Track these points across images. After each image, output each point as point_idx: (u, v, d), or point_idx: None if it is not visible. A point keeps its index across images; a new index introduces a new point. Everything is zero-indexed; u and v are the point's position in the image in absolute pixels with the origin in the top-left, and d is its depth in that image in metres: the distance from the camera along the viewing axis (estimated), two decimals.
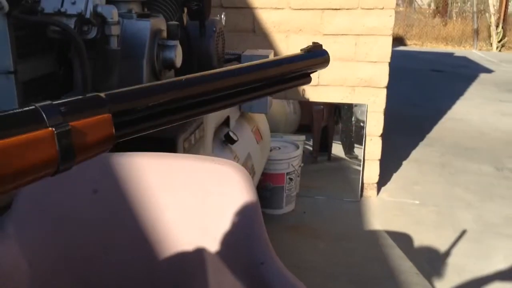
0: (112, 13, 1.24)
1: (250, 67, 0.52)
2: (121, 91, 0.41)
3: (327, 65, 0.60)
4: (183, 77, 0.45)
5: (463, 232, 2.57)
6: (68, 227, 0.88)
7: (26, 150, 0.33)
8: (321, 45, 0.59)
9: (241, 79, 0.50)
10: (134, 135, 0.43)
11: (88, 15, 1.20)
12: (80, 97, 0.38)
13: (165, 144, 1.22)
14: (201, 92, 0.46)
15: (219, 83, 0.48)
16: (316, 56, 0.59)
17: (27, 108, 0.35)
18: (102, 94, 0.39)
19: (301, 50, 0.58)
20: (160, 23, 1.44)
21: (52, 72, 1.33)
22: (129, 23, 1.34)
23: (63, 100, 0.37)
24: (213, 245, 0.86)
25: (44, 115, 0.35)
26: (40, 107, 0.35)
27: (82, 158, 0.37)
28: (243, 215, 0.85)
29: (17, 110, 0.35)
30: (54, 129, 0.35)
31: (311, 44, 0.59)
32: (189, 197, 0.88)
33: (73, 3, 1.19)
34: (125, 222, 0.89)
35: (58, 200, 0.89)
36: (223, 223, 0.86)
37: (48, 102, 0.36)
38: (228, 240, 0.85)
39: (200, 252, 0.87)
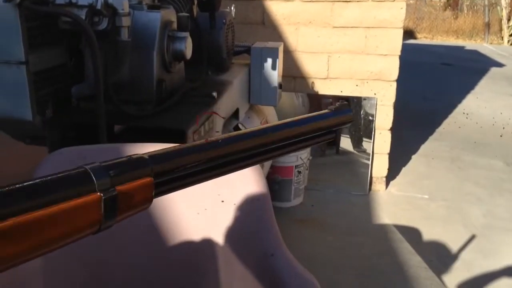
0: (123, 4, 1.24)
1: (281, 126, 0.56)
2: (163, 152, 0.44)
3: (349, 124, 0.63)
4: (220, 138, 0.49)
5: (472, 227, 2.56)
6: None
7: (75, 215, 0.36)
8: (348, 104, 0.62)
9: (271, 137, 0.54)
10: (171, 192, 0.46)
11: (99, 6, 1.20)
12: (126, 158, 0.40)
13: (175, 135, 1.22)
14: (234, 151, 0.50)
15: (251, 141, 0.52)
16: (340, 115, 0.61)
17: (77, 170, 0.37)
18: (146, 156, 0.42)
19: (328, 108, 0.61)
20: (170, 14, 1.43)
21: (63, 63, 1.33)
22: (139, 14, 1.34)
23: (111, 162, 0.39)
24: (223, 237, 0.86)
25: (93, 178, 0.37)
26: (90, 169, 0.37)
27: (121, 218, 0.39)
28: (254, 207, 0.85)
29: (68, 172, 0.36)
30: (102, 194, 0.37)
31: (338, 103, 0.62)
32: (199, 189, 0.88)
33: None
34: (136, 214, 0.89)
35: None
36: (234, 215, 0.86)
37: (97, 164, 0.38)
38: (239, 232, 0.85)
39: (210, 244, 0.87)
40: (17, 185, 0.34)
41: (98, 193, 0.37)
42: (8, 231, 0.32)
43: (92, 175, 0.37)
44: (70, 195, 0.35)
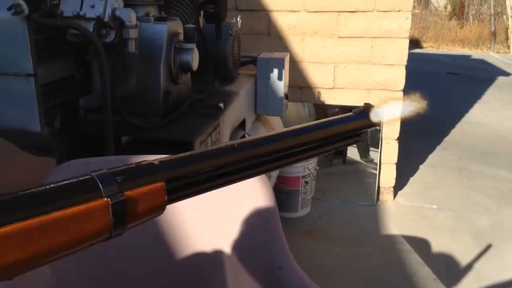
0: (130, 16, 1.25)
1: (301, 130, 0.52)
2: (174, 158, 0.42)
3: (374, 127, 0.60)
4: (235, 142, 0.46)
5: (481, 237, 2.53)
6: None
7: (82, 221, 0.35)
8: (372, 106, 0.59)
9: (292, 141, 0.51)
10: (185, 198, 0.44)
11: (106, 19, 1.21)
12: (135, 164, 0.39)
13: (182, 147, 1.22)
14: (251, 156, 0.47)
15: (270, 146, 0.48)
16: (365, 117, 0.58)
17: (83, 178, 0.36)
18: (156, 161, 0.40)
19: (353, 111, 0.58)
20: (177, 26, 1.44)
21: (71, 75, 1.34)
22: (146, 26, 1.35)
23: (119, 168, 0.38)
24: (231, 248, 0.86)
25: (100, 184, 0.36)
26: (96, 176, 0.36)
27: (133, 225, 0.38)
28: (261, 218, 0.85)
29: (74, 180, 0.36)
30: (109, 199, 0.36)
31: (362, 105, 0.59)
32: (207, 200, 0.88)
33: (92, 7, 1.20)
34: (144, 224, 0.89)
35: None
36: (241, 226, 0.86)
37: (104, 170, 0.37)
38: (246, 243, 0.85)
39: (218, 255, 0.86)
40: (23, 192, 0.33)
41: (105, 198, 0.36)
42: (14, 236, 0.31)
43: (98, 181, 0.36)
44: (76, 201, 0.35)
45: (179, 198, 0.43)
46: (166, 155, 0.42)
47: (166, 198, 0.40)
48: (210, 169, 0.43)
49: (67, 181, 0.35)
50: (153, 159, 0.40)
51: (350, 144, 0.58)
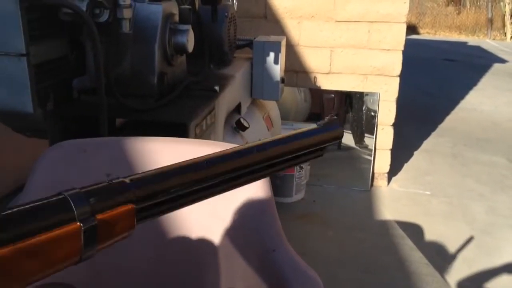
0: None
1: (268, 144, 0.52)
2: (144, 176, 0.42)
3: (339, 140, 0.59)
4: (204, 159, 0.46)
5: (474, 224, 2.55)
6: None
7: (54, 246, 0.34)
8: (337, 119, 0.59)
9: (257, 157, 0.51)
10: (157, 217, 0.44)
11: None
12: (106, 183, 0.39)
13: (177, 129, 1.21)
14: (219, 172, 0.47)
15: (238, 161, 0.49)
16: (330, 130, 0.58)
17: (56, 198, 0.35)
18: (127, 180, 0.40)
19: (317, 125, 0.57)
20: (172, 7, 1.42)
21: (64, 56, 1.32)
22: (141, 7, 1.33)
23: (91, 188, 0.37)
24: (225, 232, 0.86)
25: (73, 206, 0.35)
26: (69, 196, 0.36)
27: (102, 247, 0.38)
28: (256, 202, 0.84)
29: (46, 200, 0.35)
30: (82, 224, 0.35)
31: (327, 117, 0.58)
32: None
33: None
34: None
35: (70, 183, 0.88)
36: (236, 209, 0.85)
37: (76, 190, 0.37)
38: (240, 226, 0.84)
39: (211, 238, 0.86)
40: (8, 212, 0.33)
41: (78, 223, 0.35)
42: None
43: (72, 203, 0.35)
44: (49, 224, 0.34)
45: (149, 218, 0.43)
46: (136, 174, 0.41)
47: (135, 221, 0.40)
48: (181, 187, 0.43)
49: (39, 202, 0.34)
50: (124, 177, 0.40)
51: (314, 158, 0.58)
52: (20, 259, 0.32)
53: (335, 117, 0.59)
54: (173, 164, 0.44)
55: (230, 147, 0.90)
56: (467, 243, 2.36)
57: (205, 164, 0.45)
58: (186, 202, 0.45)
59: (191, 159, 0.45)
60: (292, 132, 0.55)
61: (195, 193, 0.45)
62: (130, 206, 0.39)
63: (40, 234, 0.34)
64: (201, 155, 0.90)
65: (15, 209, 0.33)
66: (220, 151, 0.48)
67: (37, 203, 0.34)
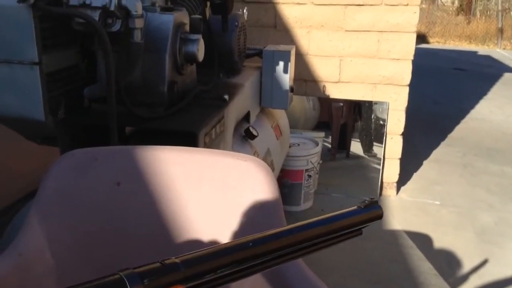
0: (136, 6, 1.24)
1: (310, 225, 0.55)
2: (194, 257, 0.45)
3: (379, 219, 0.62)
4: (249, 240, 0.49)
5: (484, 234, 2.52)
6: (91, 219, 0.89)
7: None
8: (376, 201, 0.62)
9: (299, 237, 0.54)
10: None
11: (112, 8, 1.20)
12: (159, 264, 0.42)
13: (186, 138, 1.22)
14: (263, 252, 0.50)
15: (280, 242, 0.51)
16: (370, 211, 0.61)
17: (112, 278, 0.38)
18: (178, 260, 0.43)
19: (357, 205, 0.60)
20: (183, 16, 1.43)
21: (76, 64, 1.33)
22: (152, 16, 1.34)
23: (144, 269, 0.40)
24: (233, 240, 0.86)
25: (128, 286, 0.38)
26: (124, 276, 0.38)
27: None
28: (265, 212, 0.85)
29: (104, 280, 0.37)
30: None
31: (367, 199, 0.61)
32: (211, 192, 0.88)
33: None
34: (147, 215, 0.89)
35: (81, 192, 0.89)
36: (244, 218, 0.86)
37: (131, 270, 0.39)
38: (249, 235, 0.84)
39: None
40: None
41: None
42: None
43: (127, 283, 0.38)
44: None
45: None
46: (186, 254, 0.44)
47: None
48: (227, 267, 0.46)
49: (96, 282, 0.37)
50: (175, 257, 0.43)
51: (352, 237, 0.60)
52: None
53: (375, 199, 0.62)
54: (220, 245, 0.48)
55: (242, 155, 0.90)
56: (477, 253, 2.34)
57: (250, 245, 0.48)
58: (231, 279, 0.48)
59: (236, 240, 0.49)
60: (334, 213, 0.58)
61: (239, 272, 0.48)
62: (180, 287, 0.42)
63: None
64: (211, 164, 0.91)
65: (73, 287, 0.36)
66: (264, 232, 0.51)
67: (95, 282, 0.37)
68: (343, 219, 0.58)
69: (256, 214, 0.84)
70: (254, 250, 0.48)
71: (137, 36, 1.27)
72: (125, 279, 0.38)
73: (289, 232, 0.53)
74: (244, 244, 0.48)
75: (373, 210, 0.60)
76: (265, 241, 0.50)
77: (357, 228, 0.59)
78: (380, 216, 0.61)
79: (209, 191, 0.88)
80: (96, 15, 1.20)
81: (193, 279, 0.43)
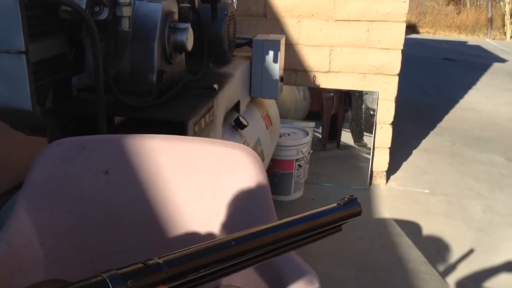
0: None
1: (291, 223, 0.57)
2: (177, 257, 0.45)
3: (358, 216, 0.64)
4: (231, 238, 0.50)
5: (472, 222, 2.56)
6: (79, 208, 0.88)
7: None
8: (355, 198, 0.63)
9: (281, 234, 0.55)
10: None
11: None
12: (142, 265, 0.42)
13: (175, 127, 1.22)
14: (245, 250, 0.51)
15: (263, 239, 0.53)
16: (349, 208, 0.62)
17: (95, 279, 0.38)
18: (161, 260, 0.43)
19: (337, 203, 0.62)
20: (171, 5, 1.42)
21: (63, 53, 1.32)
22: (140, 5, 1.33)
23: (128, 270, 0.41)
24: (222, 228, 0.86)
25: (110, 286, 0.38)
26: (107, 278, 0.39)
27: None
28: (254, 198, 0.85)
29: (87, 282, 0.38)
30: None
31: (346, 197, 0.63)
32: (200, 180, 0.88)
33: None
34: (136, 203, 0.89)
35: (70, 181, 0.89)
36: (233, 206, 0.86)
37: (114, 272, 0.40)
38: (238, 223, 0.85)
39: (210, 235, 0.86)
40: None
41: None
42: None
43: (110, 284, 0.38)
44: None
45: None
46: (168, 254, 0.44)
47: None
48: (209, 265, 0.47)
49: (79, 283, 0.37)
50: (157, 257, 0.44)
51: (332, 233, 0.62)
52: None
53: (354, 196, 0.64)
54: (202, 244, 0.48)
55: (231, 143, 0.91)
56: (465, 241, 2.37)
57: (232, 244, 0.49)
58: (214, 277, 0.49)
59: (218, 239, 0.50)
60: (314, 210, 0.59)
61: (223, 270, 0.49)
62: (163, 287, 0.43)
63: None
64: (200, 153, 0.91)
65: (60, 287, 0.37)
66: (247, 231, 0.52)
67: (78, 284, 0.37)
68: (323, 216, 0.60)
69: (245, 201, 0.84)
70: (237, 248, 0.49)
71: (125, 25, 1.26)
72: (107, 280, 0.38)
73: (270, 230, 0.54)
74: (227, 243, 0.49)
75: (352, 207, 0.62)
76: (247, 239, 0.51)
77: (336, 224, 0.61)
78: (359, 213, 0.63)
79: (198, 179, 0.88)
80: (83, 3, 1.18)
81: (176, 279, 0.44)
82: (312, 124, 3.02)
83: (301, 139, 2.67)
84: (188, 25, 1.43)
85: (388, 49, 2.75)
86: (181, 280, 0.44)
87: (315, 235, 0.59)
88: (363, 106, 2.96)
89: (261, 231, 0.53)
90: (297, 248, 0.58)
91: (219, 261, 0.48)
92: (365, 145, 2.98)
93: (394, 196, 2.84)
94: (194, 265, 0.46)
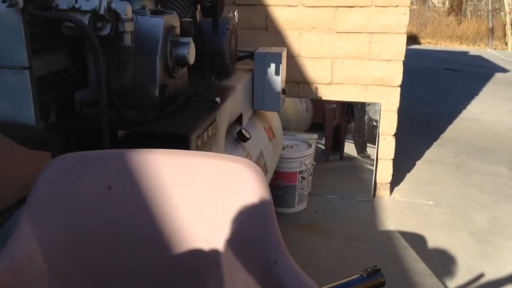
0: (126, 9, 1.24)
1: None
2: None
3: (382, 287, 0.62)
4: None
5: (477, 233, 2.54)
6: (82, 223, 0.88)
7: None
8: (379, 269, 0.63)
9: None
10: None
11: (102, 11, 1.20)
12: None
13: (178, 141, 1.22)
14: None
15: None
16: (373, 279, 0.62)
17: None
18: None
19: (360, 274, 0.61)
20: (173, 19, 1.43)
21: (66, 68, 1.33)
22: (142, 20, 1.34)
23: None
24: (226, 243, 0.86)
25: None
26: None
27: None
28: (257, 213, 0.85)
29: None
30: None
31: (370, 268, 0.63)
32: (203, 194, 0.88)
33: None
34: (139, 218, 0.89)
35: (73, 196, 0.89)
36: (237, 220, 0.85)
37: None
38: (242, 238, 0.85)
39: (213, 250, 0.86)
40: None
41: None
42: None
43: None
44: None
45: None
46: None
47: None
48: None
49: None
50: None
51: None
52: None
53: (378, 267, 0.63)
54: None
55: (234, 157, 0.90)
56: (471, 253, 2.35)
57: None
58: None
59: None
60: (336, 282, 0.60)
61: None
62: None
63: None
64: (202, 167, 0.90)
65: None
66: None
67: None
68: (349, 286, 0.60)
69: (247, 216, 0.84)
70: None
71: (127, 40, 1.26)
72: None
73: None
74: None
75: (376, 278, 0.61)
76: None
77: None
78: (383, 284, 0.61)
79: (200, 193, 0.88)
80: (85, 19, 1.19)
81: None
82: (315, 136, 3.02)
83: (304, 151, 2.67)
84: (190, 39, 1.44)
85: (389, 60, 2.76)
86: None
87: None
88: (365, 117, 2.96)
89: None
90: None
91: None
92: (368, 157, 2.98)
93: (398, 208, 2.82)
94: None
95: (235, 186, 0.86)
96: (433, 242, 2.45)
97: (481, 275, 2.17)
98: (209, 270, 0.90)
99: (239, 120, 1.86)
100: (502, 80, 6.79)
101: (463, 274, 2.18)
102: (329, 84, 2.86)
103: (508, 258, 2.31)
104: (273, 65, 2.00)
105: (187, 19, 1.57)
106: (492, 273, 2.19)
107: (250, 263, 0.84)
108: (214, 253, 0.87)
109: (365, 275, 0.60)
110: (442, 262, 2.27)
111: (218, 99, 1.52)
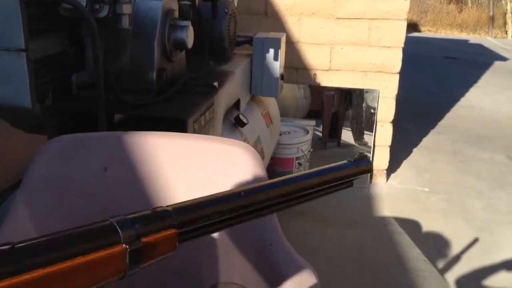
0: None
1: (301, 177, 0.58)
2: (186, 205, 0.46)
3: (369, 173, 0.65)
4: (241, 190, 0.50)
5: (473, 220, 2.55)
6: (78, 205, 0.88)
7: (101, 265, 0.38)
8: (366, 156, 0.64)
9: (291, 188, 0.56)
10: (194, 239, 0.48)
11: None
12: (151, 211, 0.43)
13: (175, 125, 1.22)
14: (254, 202, 0.52)
15: (272, 192, 0.54)
16: (359, 165, 0.63)
17: (103, 224, 0.39)
18: (170, 208, 0.44)
19: (347, 160, 0.62)
20: (172, 3, 1.42)
21: (64, 51, 1.32)
22: (140, 2, 1.33)
23: (136, 215, 0.41)
24: None
25: (119, 230, 0.39)
26: (115, 222, 0.39)
27: (145, 266, 0.42)
28: None
29: (95, 226, 0.38)
30: (127, 246, 0.39)
31: (357, 154, 0.64)
32: (199, 177, 0.88)
33: None
34: (135, 200, 0.89)
35: (69, 178, 0.89)
36: None
37: (122, 216, 0.40)
38: None
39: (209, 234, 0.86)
40: (45, 237, 0.36)
41: (124, 245, 0.39)
42: (34, 283, 0.33)
43: (118, 227, 0.38)
44: (96, 246, 0.37)
45: (189, 239, 0.47)
46: (178, 203, 0.45)
47: (177, 243, 0.44)
48: (217, 215, 0.48)
49: (87, 227, 0.38)
50: (167, 206, 0.44)
51: (343, 189, 0.63)
52: (73, 274, 0.36)
53: (365, 154, 0.65)
54: (213, 194, 0.49)
55: (230, 140, 0.91)
56: (466, 239, 2.37)
57: (242, 195, 0.50)
58: (223, 226, 0.50)
59: (229, 190, 0.50)
60: (325, 166, 0.60)
61: (232, 219, 0.50)
62: (173, 231, 0.43)
63: (90, 254, 0.37)
64: (200, 150, 0.90)
65: (69, 232, 0.37)
66: (257, 184, 0.53)
67: (86, 228, 0.38)
68: (333, 172, 0.60)
69: None
70: (246, 200, 0.50)
71: (125, 22, 1.26)
72: (115, 224, 0.39)
73: (280, 183, 0.55)
74: (237, 194, 0.50)
75: (363, 164, 0.62)
76: (256, 192, 0.52)
77: (347, 180, 0.61)
78: (369, 170, 0.63)
79: (197, 176, 0.88)
80: (83, 1, 1.18)
81: (185, 225, 0.44)
82: (313, 122, 3.01)
83: (301, 137, 2.67)
84: (189, 23, 1.43)
85: (389, 47, 2.75)
86: (190, 227, 0.45)
87: (325, 189, 0.59)
88: (363, 104, 2.96)
89: (271, 184, 0.54)
90: (307, 201, 0.58)
91: (229, 210, 0.48)
92: (365, 144, 2.98)
93: (395, 195, 2.84)
94: (202, 214, 0.46)
95: (232, 168, 0.86)
96: (428, 228, 2.47)
97: (475, 262, 2.19)
98: (204, 253, 0.91)
99: (237, 105, 1.85)
100: (501, 68, 6.78)
101: (457, 260, 2.20)
102: (328, 70, 2.85)
103: (503, 245, 2.33)
104: (272, 51, 1.99)
105: (186, 2, 1.56)
106: (487, 260, 2.20)
107: (246, 245, 0.85)
108: (209, 236, 0.88)
109: (352, 161, 0.62)
110: (437, 248, 2.29)
111: (216, 84, 1.51)
